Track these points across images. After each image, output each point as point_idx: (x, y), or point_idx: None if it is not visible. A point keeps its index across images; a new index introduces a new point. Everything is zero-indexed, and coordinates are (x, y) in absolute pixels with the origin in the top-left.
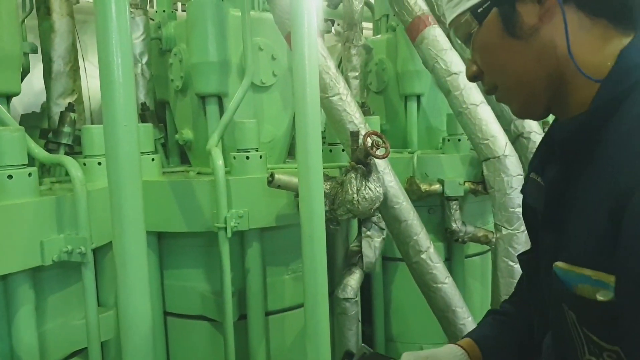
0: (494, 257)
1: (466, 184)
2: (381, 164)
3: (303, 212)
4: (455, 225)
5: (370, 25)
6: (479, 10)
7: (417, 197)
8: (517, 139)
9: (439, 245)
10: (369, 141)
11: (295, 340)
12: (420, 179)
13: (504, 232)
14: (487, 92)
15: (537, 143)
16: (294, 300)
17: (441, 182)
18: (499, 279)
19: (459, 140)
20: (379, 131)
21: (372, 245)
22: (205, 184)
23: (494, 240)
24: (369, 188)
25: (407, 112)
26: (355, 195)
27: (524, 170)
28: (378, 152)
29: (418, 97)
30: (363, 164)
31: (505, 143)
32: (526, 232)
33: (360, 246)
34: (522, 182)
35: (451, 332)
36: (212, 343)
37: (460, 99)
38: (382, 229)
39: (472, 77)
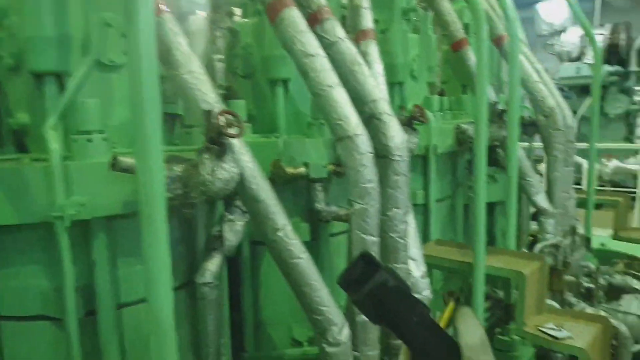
0: (349, 231)
1: (329, 166)
2: (237, 144)
3: (141, 192)
4: (320, 205)
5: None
6: None
7: (284, 181)
8: (370, 119)
9: (305, 226)
10: (222, 120)
11: None
12: (286, 162)
13: (357, 206)
14: None
15: (389, 124)
16: None
17: (306, 165)
18: (352, 251)
19: (322, 124)
20: (244, 116)
21: (233, 228)
22: (39, 170)
23: None
24: (224, 168)
25: (274, 97)
26: (209, 177)
27: (374, 149)
28: (232, 131)
29: (285, 81)
30: (217, 143)
31: (357, 123)
32: (376, 206)
33: (221, 230)
34: (372, 160)
35: (307, 305)
36: (54, 343)
37: (317, 81)
38: (245, 212)
39: None
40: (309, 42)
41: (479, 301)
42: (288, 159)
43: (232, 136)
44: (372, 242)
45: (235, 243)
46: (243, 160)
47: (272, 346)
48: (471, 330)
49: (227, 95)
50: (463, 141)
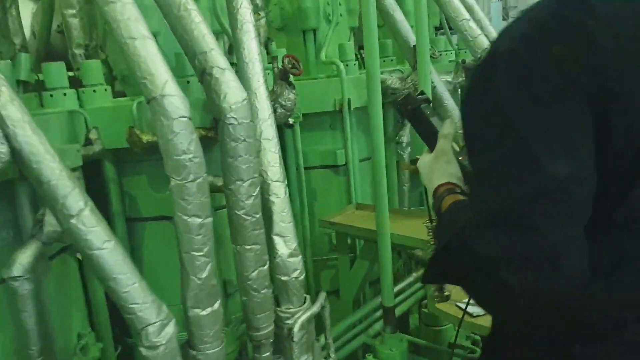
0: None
1: (197, 131)
2: (14, 116)
3: None
4: None
5: None
6: None
7: (141, 149)
8: (202, 75)
9: None
10: None
11: None
12: (144, 128)
13: (172, 183)
14: None
15: (220, 79)
16: None
17: None
18: (178, 236)
19: (188, 82)
20: (101, 77)
21: None
22: None
23: None
24: None
25: None
26: None
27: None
28: None
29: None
30: None
31: (166, 81)
32: (199, 181)
33: (44, 213)
34: (186, 125)
35: (117, 302)
36: None
37: (119, 32)
38: None
39: None
40: None
41: (386, 274)
42: (147, 124)
43: None
44: (198, 225)
45: (58, 228)
46: (19, 135)
47: None
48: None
49: (87, 55)
50: (384, 93)
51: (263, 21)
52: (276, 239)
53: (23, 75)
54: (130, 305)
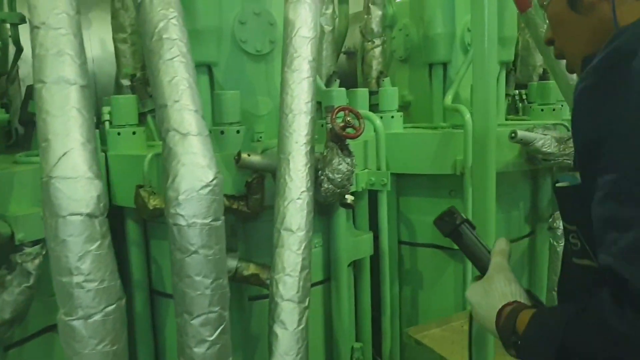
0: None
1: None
2: None
3: None
4: None
5: None
6: None
7: (148, 216)
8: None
9: None
10: None
11: None
12: (154, 187)
13: (58, 315)
14: (556, 57)
15: (175, 150)
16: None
17: None
18: None
19: (222, 132)
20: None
21: None
22: None
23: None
24: None
25: None
26: None
27: None
28: None
29: None
30: None
31: (65, 152)
32: (95, 318)
33: None
34: (82, 228)
35: None
36: None
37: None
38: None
39: (547, 42)
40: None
41: None
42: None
43: None
44: None
45: None
46: None
47: None
48: None
49: (133, 87)
50: (534, 157)
51: (378, 50)
52: None
53: None
54: None
